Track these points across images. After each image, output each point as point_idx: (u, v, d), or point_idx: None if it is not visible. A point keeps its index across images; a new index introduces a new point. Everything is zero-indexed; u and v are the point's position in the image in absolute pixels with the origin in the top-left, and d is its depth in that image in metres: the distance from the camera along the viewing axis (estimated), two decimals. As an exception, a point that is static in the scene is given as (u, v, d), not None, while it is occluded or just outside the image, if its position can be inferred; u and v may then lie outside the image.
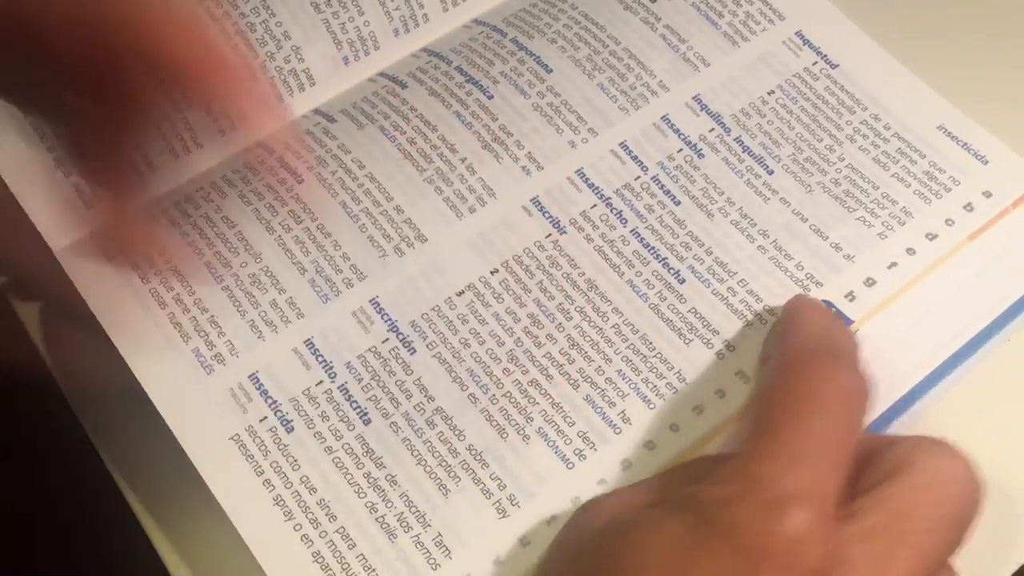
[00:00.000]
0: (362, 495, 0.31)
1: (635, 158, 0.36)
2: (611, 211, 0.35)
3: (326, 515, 0.31)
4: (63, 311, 0.36)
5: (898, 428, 0.32)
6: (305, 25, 0.38)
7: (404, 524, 0.30)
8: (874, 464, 0.26)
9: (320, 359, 0.33)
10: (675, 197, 0.36)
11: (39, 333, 0.36)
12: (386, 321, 0.34)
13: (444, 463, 0.31)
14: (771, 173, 0.36)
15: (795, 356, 0.27)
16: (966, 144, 0.36)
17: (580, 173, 0.36)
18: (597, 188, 0.36)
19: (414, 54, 0.39)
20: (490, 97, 0.37)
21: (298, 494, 0.31)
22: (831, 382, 0.26)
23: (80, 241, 0.35)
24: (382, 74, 0.39)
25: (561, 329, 0.33)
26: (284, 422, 0.32)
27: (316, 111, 0.38)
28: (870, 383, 0.27)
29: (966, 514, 0.25)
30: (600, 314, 0.33)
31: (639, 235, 0.35)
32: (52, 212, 0.35)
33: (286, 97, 0.38)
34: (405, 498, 0.31)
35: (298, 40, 0.38)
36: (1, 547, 0.37)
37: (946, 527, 0.25)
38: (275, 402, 0.32)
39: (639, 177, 0.36)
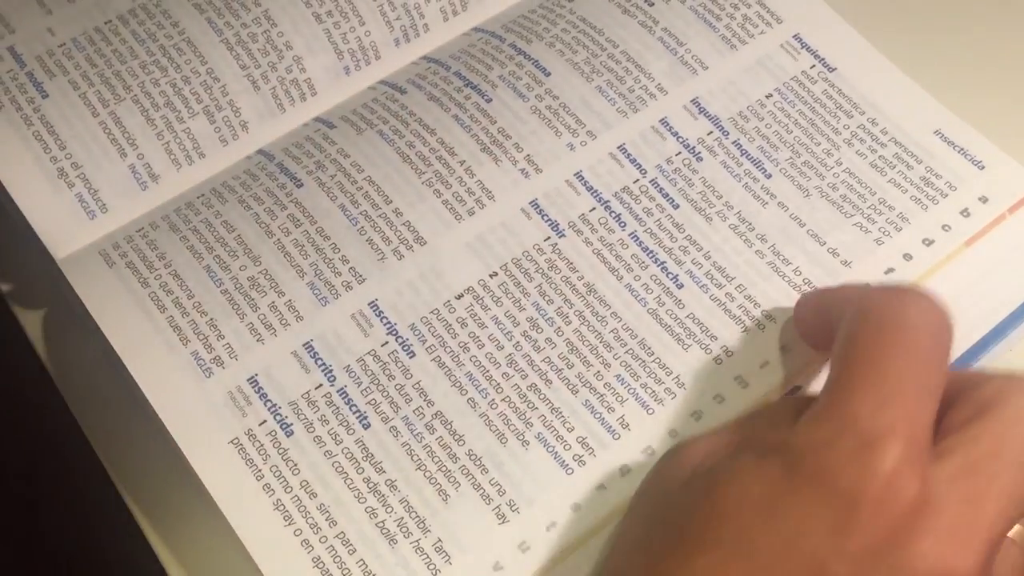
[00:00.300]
0: (362, 500, 0.31)
1: (634, 161, 0.36)
2: (610, 214, 0.35)
3: (326, 520, 0.31)
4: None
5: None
6: (307, 36, 0.38)
7: (404, 529, 0.30)
8: (962, 402, 0.26)
9: (319, 362, 0.33)
10: (673, 200, 0.36)
11: (41, 339, 0.36)
12: (385, 324, 0.34)
13: (444, 468, 0.31)
14: (769, 177, 0.36)
15: (868, 299, 0.27)
16: (962, 149, 0.36)
17: (579, 176, 0.36)
18: (596, 191, 0.36)
19: (413, 62, 0.39)
20: (488, 100, 0.37)
21: (298, 499, 0.31)
22: (910, 316, 0.26)
23: (82, 250, 0.35)
24: (381, 81, 0.39)
25: (560, 333, 0.33)
26: (283, 426, 0.32)
27: (316, 119, 0.38)
28: (948, 314, 0.27)
29: None
30: (599, 318, 0.34)
31: (638, 239, 0.35)
32: (55, 221, 0.35)
33: (287, 107, 0.38)
34: (405, 503, 0.31)
35: (300, 51, 0.38)
36: (2, 550, 0.37)
37: None
38: (274, 405, 0.32)
39: (638, 180, 0.36)
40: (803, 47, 0.39)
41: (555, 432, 0.32)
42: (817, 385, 0.32)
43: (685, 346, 0.33)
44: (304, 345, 0.33)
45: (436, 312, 0.34)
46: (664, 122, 0.37)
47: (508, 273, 0.34)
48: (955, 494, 0.24)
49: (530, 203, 0.36)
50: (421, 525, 0.31)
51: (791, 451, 0.24)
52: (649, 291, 0.34)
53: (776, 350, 0.33)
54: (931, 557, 0.23)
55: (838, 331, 0.27)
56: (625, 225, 0.35)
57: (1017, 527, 0.27)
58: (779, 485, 0.24)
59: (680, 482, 0.27)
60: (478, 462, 0.31)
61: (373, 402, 0.32)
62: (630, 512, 0.29)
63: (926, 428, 0.25)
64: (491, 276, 0.34)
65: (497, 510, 0.31)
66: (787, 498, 0.24)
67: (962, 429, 0.25)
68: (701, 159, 0.36)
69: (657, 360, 0.33)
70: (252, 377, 0.33)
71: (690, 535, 0.25)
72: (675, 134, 0.37)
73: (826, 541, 0.23)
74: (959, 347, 0.33)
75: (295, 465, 0.31)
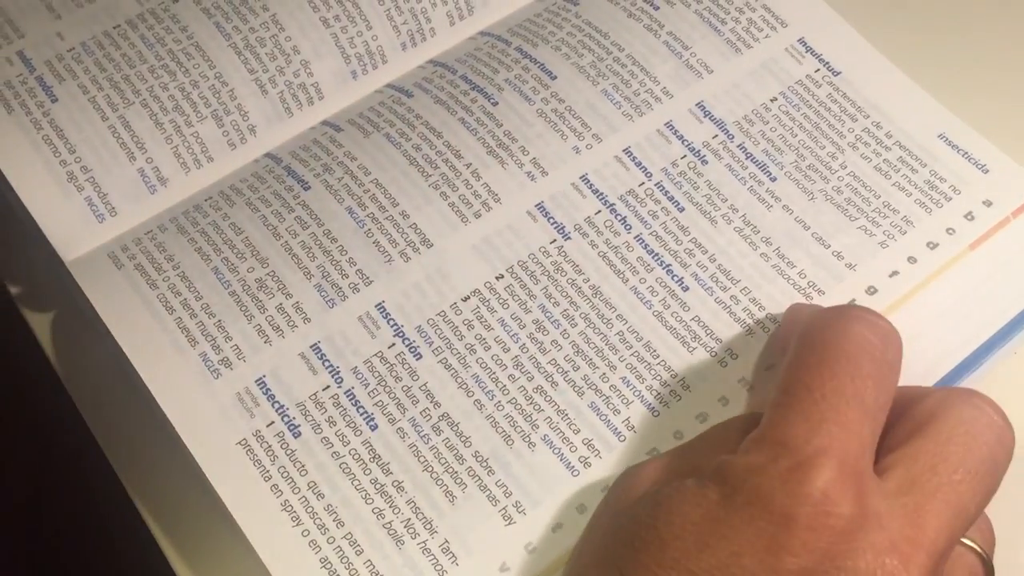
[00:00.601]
0: (369, 501, 0.31)
1: (639, 164, 0.37)
2: (615, 217, 0.36)
3: (333, 521, 0.31)
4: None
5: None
6: (314, 40, 0.38)
7: (411, 530, 0.31)
8: (904, 418, 0.27)
9: (327, 364, 0.33)
10: (679, 203, 0.36)
11: (50, 341, 0.36)
12: (392, 326, 0.34)
13: (450, 469, 0.32)
14: (774, 180, 0.36)
15: (811, 324, 0.28)
16: (966, 153, 0.36)
17: (584, 179, 0.36)
18: (601, 194, 0.36)
19: (420, 65, 0.39)
20: (495, 104, 0.37)
21: (306, 500, 0.31)
22: (851, 335, 0.27)
23: (91, 253, 0.35)
24: (388, 85, 0.39)
25: (566, 336, 0.33)
26: (291, 427, 0.32)
27: (324, 122, 0.38)
28: (892, 331, 0.27)
29: (997, 462, 0.26)
30: (604, 321, 0.34)
31: (643, 241, 0.35)
32: (64, 224, 0.35)
33: (295, 111, 0.38)
34: (412, 504, 0.31)
35: (307, 55, 0.38)
36: (11, 553, 0.38)
37: (977, 476, 0.25)
38: (282, 407, 0.33)
39: (643, 183, 0.36)
40: (808, 51, 0.39)
41: (561, 434, 0.32)
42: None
43: (690, 348, 0.33)
44: (311, 347, 0.33)
45: (443, 314, 0.34)
46: (669, 125, 0.37)
47: (514, 275, 0.35)
48: (897, 510, 0.24)
49: (536, 206, 0.36)
50: (428, 526, 0.31)
51: (729, 476, 0.25)
52: (654, 293, 0.34)
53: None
54: (873, 573, 0.23)
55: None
56: (631, 228, 0.35)
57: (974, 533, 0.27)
58: (717, 510, 0.25)
59: (629, 505, 0.27)
60: (484, 463, 0.32)
61: (380, 404, 0.33)
62: (585, 533, 0.29)
63: (863, 448, 0.25)
64: (497, 278, 0.35)
65: (503, 511, 0.31)
66: (725, 522, 0.24)
67: (903, 445, 0.26)
68: (706, 162, 0.37)
69: (662, 362, 0.33)
70: (260, 378, 0.33)
71: (634, 559, 0.25)
72: (680, 137, 0.37)
73: (762, 563, 0.24)
74: (965, 349, 0.33)
75: (303, 466, 0.32)
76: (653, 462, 0.29)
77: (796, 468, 0.24)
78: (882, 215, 0.35)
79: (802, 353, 0.27)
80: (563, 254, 0.35)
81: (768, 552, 0.24)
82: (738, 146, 0.37)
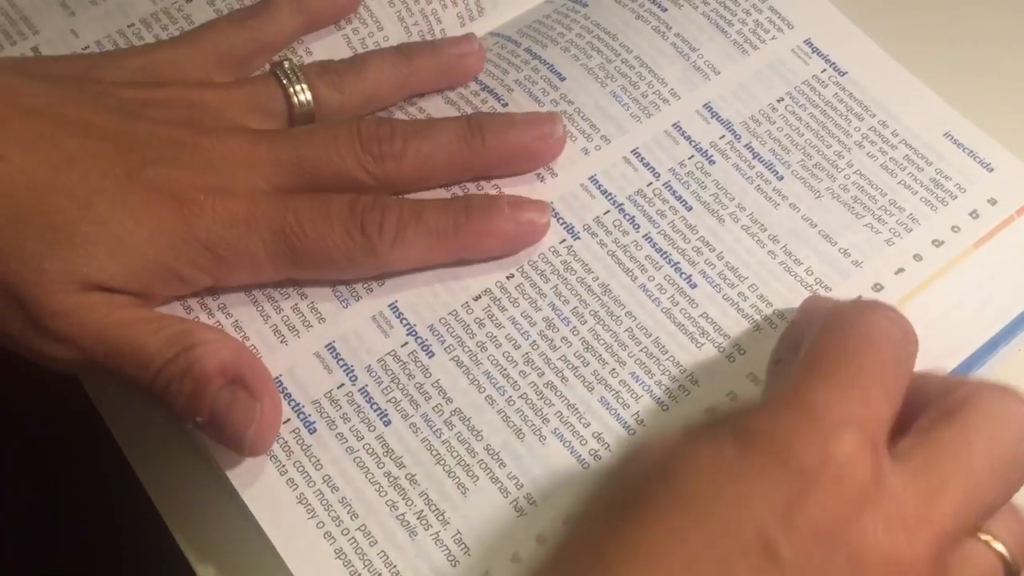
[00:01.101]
0: (383, 493, 0.32)
1: (647, 165, 0.37)
2: (624, 217, 0.36)
3: (348, 513, 0.31)
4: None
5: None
6: (326, 42, 0.39)
7: (424, 522, 0.31)
8: (932, 407, 0.27)
9: (341, 363, 0.34)
10: (687, 203, 0.36)
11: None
12: (405, 325, 0.34)
13: (462, 462, 0.32)
14: (781, 179, 0.37)
15: (836, 310, 0.28)
16: (972, 151, 0.37)
17: (593, 180, 0.37)
18: (610, 194, 0.36)
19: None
20: (504, 104, 0.38)
21: (320, 492, 0.32)
22: (875, 324, 0.27)
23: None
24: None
25: (576, 332, 0.34)
26: (307, 424, 0.33)
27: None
28: (911, 328, 0.28)
29: (1019, 457, 0.26)
30: (614, 318, 0.34)
31: (651, 240, 0.36)
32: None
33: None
34: (424, 496, 0.31)
35: (319, 56, 0.39)
36: (26, 547, 0.38)
37: (999, 468, 0.25)
38: (298, 404, 0.33)
39: (651, 183, 0.37)
40: (814, 52, 0.39)
41: (571, 428, 0.32)
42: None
43: (698, 344, 0.34)
44: (326, 346, 0.34)
45: (454, 313, 0.34)
46: (677, 126, 0.38)
47: (524, 275, 0.35)
48: (912, 488, 0.24)
49: (546, 206, 0.36)
50: (440, 517, 0.31)
51: (747, 432, 0.25)
52: (663, 291, 0.35)
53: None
54: (879, 541, 0.23)
55: (804, 340, 0.28)
56: (639, 227, 0.36)
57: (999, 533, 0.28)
58: (737, 462, 0.24)
59: (647, 463, 0.27)
60: (496, 456, 0.32)
61: (393, 400, 0.33)
62: (597, 492, 0.28)
63: (882, 425, 0.25)
64: (508, 278, 0.35)
65: (515, 503, 0.31)
66: (744, 474, 0.24)
67: (928, 431, 0.26)
68: (714, 162, 0.37)
69: (671, 358, 0.33)
70: (276, 377, 0.33)
71: (640, 508, 0.25)
72: (688, 138, 0.38)
73: (774, 515, 0.23)
74: (970, 347, 0.33)
75: (317, 460, 0.32)
76: (661, 437, 0.28)
77: (822, 429, 0.24)
78: (888, 213, 0.36)
79: (826, 335, 0.27)
80: (572, 253, 0.35)
81: (785, 505, 0.23)
82: (745, 146, 0.37)
